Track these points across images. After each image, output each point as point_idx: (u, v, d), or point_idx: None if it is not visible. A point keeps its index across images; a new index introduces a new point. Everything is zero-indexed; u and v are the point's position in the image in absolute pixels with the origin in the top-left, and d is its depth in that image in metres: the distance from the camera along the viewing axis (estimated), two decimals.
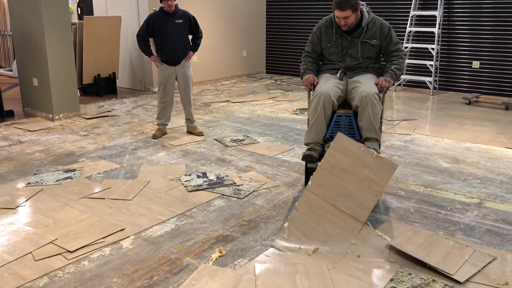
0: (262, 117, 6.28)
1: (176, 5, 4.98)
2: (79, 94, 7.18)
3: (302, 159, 3.37)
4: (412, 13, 7.86)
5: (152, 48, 5.13)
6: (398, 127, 5.69)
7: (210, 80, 9.11)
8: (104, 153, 4.75)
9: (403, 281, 2.48)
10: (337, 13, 3.32)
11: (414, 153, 4.71)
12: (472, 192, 3.73)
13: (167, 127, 5.44)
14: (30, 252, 2.80)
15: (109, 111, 6.53)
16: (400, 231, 3.02)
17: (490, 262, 2.69)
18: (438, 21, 7.61)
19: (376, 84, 3.37)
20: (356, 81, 3.43)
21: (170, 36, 4.98)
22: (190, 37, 5.22)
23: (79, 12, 9.40)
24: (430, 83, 7.80)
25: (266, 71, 10.39)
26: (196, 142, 5.10)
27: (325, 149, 3.28)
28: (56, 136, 5.35)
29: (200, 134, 5.36)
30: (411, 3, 7.89)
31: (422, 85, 8.14)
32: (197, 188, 3.78)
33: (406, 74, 8.18)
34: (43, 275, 2.58)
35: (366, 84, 3.34)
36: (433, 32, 7.73)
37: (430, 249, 2.81)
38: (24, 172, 4.19)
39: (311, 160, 3.35)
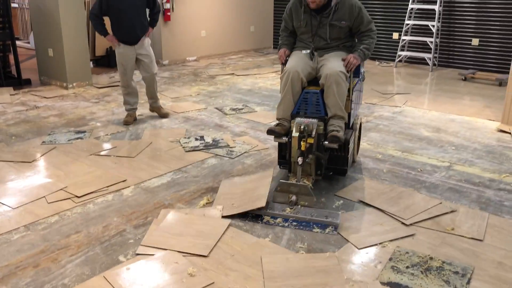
0: (263, 89, 6.62)
1: None
2: (92, 66, 7.58)
3: (267, 133, 3.33)
4: None
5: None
6: (390, 100, 5.98)
7: (218, 54, 9.44)
8: (113, 118, 5.16)
9: (402, 260, 2.54)
10: None
11: (400, 123, 5.03)
12: (445, 157, 4.06)
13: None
14: (44, 196, 3.24)
15: (119, 81, 6.89)
16: (375, 188, 3.38)
17: (446, 213, 3.05)
18: None
19: (344, 61, 3.32)
20: (324, 59, 3.39)
21: (127, 13, 4.62)
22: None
23: None
24: (430, 59, 8.02)
25: (274, 46, 10.66)
26: (197, 110, 5.48)
27: (291, 124, 3.25)
28: (69, 103, 5.78)
29: (165, 115, 5.11)
30: None
31: (423, 61, 8.35)
32: (194, 149, 4.18)
33: (408, 50, 8.40)
34: (54, 214, 3.02)
35: (332, 62, 3.29)
36: (434, 10, 7.91)
37: (397, 201, 3.18)
38: (39, 132, 4.63)
39: (275, 135, 3.30)
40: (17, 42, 7.64)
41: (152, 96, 5.11)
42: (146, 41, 4.86)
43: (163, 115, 5.14)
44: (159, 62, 8.44)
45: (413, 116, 5.29)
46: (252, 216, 2.97)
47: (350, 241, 2.73)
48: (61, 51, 6.32)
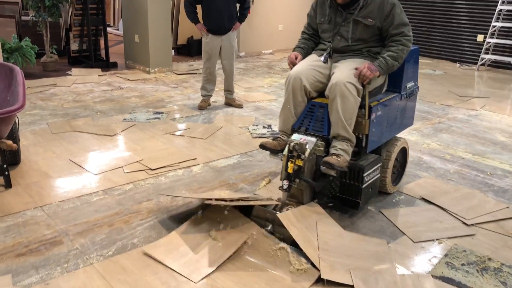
0: None
1: None
2: (173, 53, 7.98)
3: (259, 147, 2.94)
4: None
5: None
6: (467, 103, 5.77)
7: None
8: (189, 102, 5.45)
9: (458, 257, 2.53)
10: None
11: (474, 126, 4.86)
12: None
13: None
14: (121, 167, 3.54)
15: (197, 69, 7.24)
16: (439, 188, 3.34)
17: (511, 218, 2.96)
18: None
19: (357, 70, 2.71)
20: (336, 66, 2.86)
21: (218, 3, 4.80)
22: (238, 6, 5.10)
23: None
24: None
25: None
26: (268, 101, 5.63)
27: (288, 140, 2.75)
28: (150, 86, 6.16)
29: (239, 106, 5.29)
30: None
31: (508, 66, 7.91)
32: (261, 136, 4.33)
33: (492, 53, 7.99)
34: (129, 183, 3.30)
35: (342, 70, 2.75)
36: None
37: (461, 202, 3.13)
38: (121, 111, 5.01)
39: (270, 151, 2.91)
40: (108, 29, 8.23)
41: (229, 88, 5.32)
42: (232, 34, 5.04)
43: (237, 107, 5.32)
44: (236, 54, 8.69)
45: (490, 120, 5.08)
46: None
47: (406, 234, 2.74)
48: (146, 38, 6.74)
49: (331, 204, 2.97)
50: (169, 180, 3.36)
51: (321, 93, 2.86)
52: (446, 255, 2.55)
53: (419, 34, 8.98)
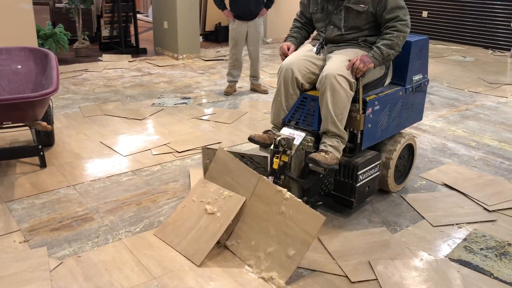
0: None
1: None
2: (201, 40, 8.09)
3: (248, 140, 2.79)
4: None
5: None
6: (497, 90, 5.67)
7: None
8: (215, 88, 5.54)
9: (477, 242, 2.56)
10: None
11: (503, 113, 4.78)
12: None
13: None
14: (150, 149, 3.68)
15: (224, 56, 7.32)
16: (462, 174, 3.35)
17: None
18: None
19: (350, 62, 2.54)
20: (329, 57, 2.68)
21: None
22: None
23: None
24: None
25: None
26: None
27: (276, 134, 2.60)
28: (178, 72, 6.29)
29: (264, 92, 5.37)
30: None
31: None
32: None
33: None
34: (157, 164, 3.43)
35: (334, 61, 2.57)
36: None
37: (484, 188, 3.13)
38: (150, 95, 5.15)
39: (260, 145, 2.78)
40: (138, 15, 8.38)
41: (255, 74, 5.39)
42: (259, 20, 5.09)
43: (262, 92, 5.40)
44: (264, 41, 8.73)
45: None
46: None
47: (425, 218, 2.77)
48: (175, 24, 6.85)
49: (320, 203, 2.66)
50: (195, 163, 3.47)
51: (315, 85, 2.68)
52: (465, 240, 2.58)
53: (450, 20, 8.79)
